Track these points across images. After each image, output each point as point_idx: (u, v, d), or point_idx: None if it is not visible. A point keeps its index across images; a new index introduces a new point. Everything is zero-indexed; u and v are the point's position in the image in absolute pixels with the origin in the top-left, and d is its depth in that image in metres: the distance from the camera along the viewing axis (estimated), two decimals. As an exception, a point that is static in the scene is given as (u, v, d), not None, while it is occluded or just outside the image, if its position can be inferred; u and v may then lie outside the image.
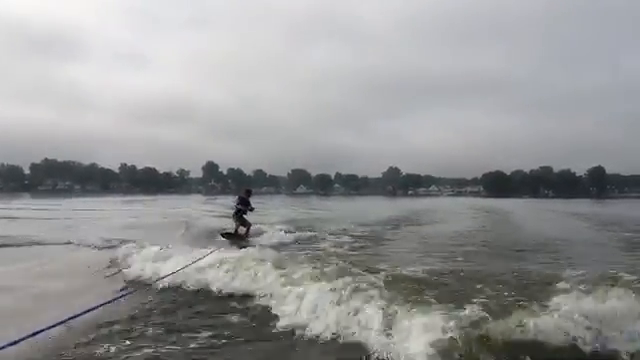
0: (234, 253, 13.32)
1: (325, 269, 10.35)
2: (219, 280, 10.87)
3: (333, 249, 17.38)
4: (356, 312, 7.84)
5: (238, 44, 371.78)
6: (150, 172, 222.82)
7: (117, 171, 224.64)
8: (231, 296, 10.14)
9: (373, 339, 6.96)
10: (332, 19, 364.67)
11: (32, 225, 29.42)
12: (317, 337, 7.53)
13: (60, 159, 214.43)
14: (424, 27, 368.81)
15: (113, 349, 7.09)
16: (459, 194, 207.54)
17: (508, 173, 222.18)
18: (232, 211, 21.96)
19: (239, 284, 10.56)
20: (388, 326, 7.08)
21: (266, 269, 10.90)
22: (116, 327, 8.03)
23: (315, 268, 10.51)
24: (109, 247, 17.53)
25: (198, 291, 10.61)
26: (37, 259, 15.54)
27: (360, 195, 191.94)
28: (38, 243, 20.16)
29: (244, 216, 21.17)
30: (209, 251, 13.00)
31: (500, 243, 19.72)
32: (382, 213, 43.35)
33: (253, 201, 21.78)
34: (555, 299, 7.60)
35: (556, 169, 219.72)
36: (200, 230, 24.94)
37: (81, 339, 7.42)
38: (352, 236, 21.84)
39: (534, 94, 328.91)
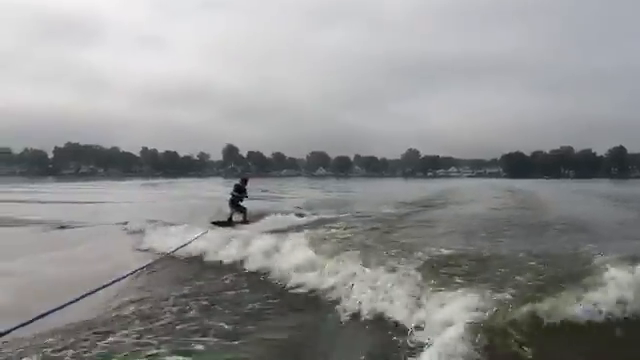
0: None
1: (351, 250, 10.94)
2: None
3: (357, 229, 17.08)
4: (387, 291, 8.05)
5: (256, 26, 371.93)
6: (171, 155, 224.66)
7: (138, 155, 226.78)
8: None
9: (405, 316, 7.18)
10: (350, 0, 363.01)
11: (74, 210, 30.89)
12: (349, 312, 7.99)
13: (82, 143, 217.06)
14: (442, 8, 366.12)
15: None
16: (478, 175, 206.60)
17: (528, 154, 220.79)
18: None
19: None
20: (421, 305, 7.24)
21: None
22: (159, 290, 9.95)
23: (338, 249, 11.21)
24: (139, 230, 18.97)
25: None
26: (86, 240, 17.27)
27: (379, 177, 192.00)
28: (83, 225, 21.85)
29: (240, 203, 21.56)
30: (201, 232, 14.91)
31: (532, 221, 19.58)
32: (405, 194, 43.24)
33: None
34: (605, 274, 7.35)
35: (577, 149, 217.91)
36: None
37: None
38: (378, 218, 21.74)
39: (554, 74, 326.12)
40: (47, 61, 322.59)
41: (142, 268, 10.05)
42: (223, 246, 13.55)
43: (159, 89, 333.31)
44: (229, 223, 20.59)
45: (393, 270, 8.86)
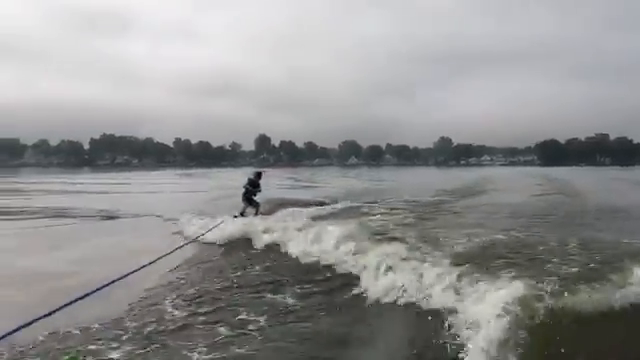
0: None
1: (391, 237, 11.37)
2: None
3: (397, 219, 17.20)
4: (421, 276, 8.24)
5: (287, 17, 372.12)
6: (204, 146, 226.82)
7: (171, 145, 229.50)
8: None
9: (444, 302, 7.25)
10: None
11: (119, 199, 32.05)
12: (388, 298, 8.25)
13: (117, 134, 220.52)
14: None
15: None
16: (512, 164, 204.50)
17: (562, 141, 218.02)
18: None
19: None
20: (461, 292, 7.25)
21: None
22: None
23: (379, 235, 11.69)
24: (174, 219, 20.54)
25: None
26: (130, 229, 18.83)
27: (412, 166, 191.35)
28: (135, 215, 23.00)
29: (253, 197, 21.16)
30: (220, 220, 16.94)
31: (572, 209, 19.55)
32: (442, 183, 43.15)
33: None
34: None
35: (613, 136, 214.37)
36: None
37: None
38: (418, 205, 22.02)
39: (589, 60, 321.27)
40: (83, 54, 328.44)
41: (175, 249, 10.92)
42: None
43: (193, 81, 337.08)
44: (242, 217, 20.45)
45: (434, 257, 8.99)
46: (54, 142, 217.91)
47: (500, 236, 12.06)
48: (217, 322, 7.80)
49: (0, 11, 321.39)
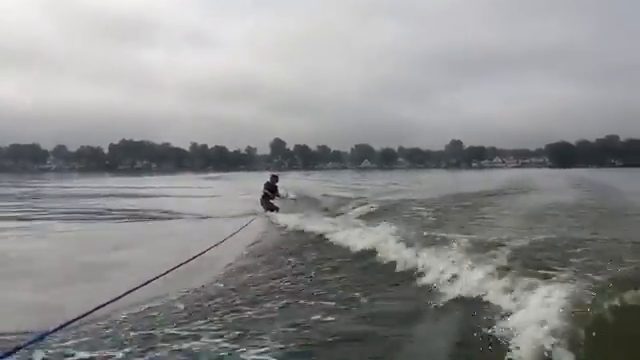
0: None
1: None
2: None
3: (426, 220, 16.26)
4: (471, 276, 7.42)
5: (301, 22, 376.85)
6: (220, 150, 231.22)
7: (188, 150, 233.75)
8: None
9: (492, 301, 6.47)
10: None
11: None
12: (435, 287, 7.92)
13: (135, 139, 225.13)
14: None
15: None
16: (523, 165, 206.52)
17: (573, 143, 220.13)
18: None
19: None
20: (508, 291, 6.42)
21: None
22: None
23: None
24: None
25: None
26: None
27: (424, 168, 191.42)
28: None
29: (271, 201, 21.12)
30: (251, 218, 17.55)
31: (603, 210, 18.93)
32: (459, 187, 41.33)
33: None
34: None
35: (622, 138, 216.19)
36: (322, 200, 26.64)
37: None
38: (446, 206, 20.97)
39: (597, 62, 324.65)
40: (101, 61, 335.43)
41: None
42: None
43: (208, 87, 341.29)
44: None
45: (478, 257, 8.23)
46: (71, 148, 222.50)
47: (541, 235, 11.06)
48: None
49: (20, 17, 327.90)
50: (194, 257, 9.48)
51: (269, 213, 19.81)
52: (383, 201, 23.66)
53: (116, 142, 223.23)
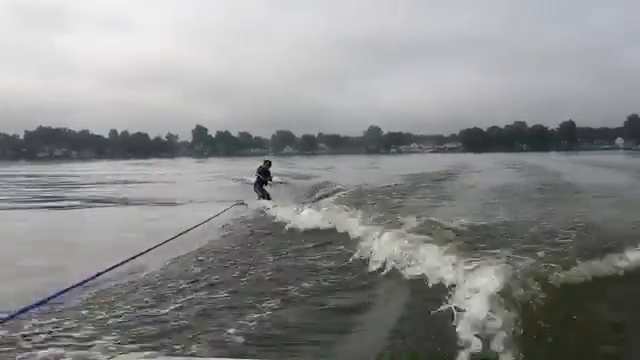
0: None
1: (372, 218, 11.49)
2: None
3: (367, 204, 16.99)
4: (411, 254, 7.91)
5: (220, 8, 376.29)
6: (141, 137, 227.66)
7: (107, 137, 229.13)
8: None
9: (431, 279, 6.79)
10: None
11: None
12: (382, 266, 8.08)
13: (54, 127, 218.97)
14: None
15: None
16: (439, 151, 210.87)
17: (485, 129, 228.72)
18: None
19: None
20: (459, 267, 6.53)
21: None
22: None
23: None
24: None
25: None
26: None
27: (344, 154, 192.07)
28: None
29: (264, 187, 21.16)
30: (230, 205, 17.38)
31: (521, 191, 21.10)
32: (387, 172, 44.19)
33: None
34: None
35: (530, 124, 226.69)
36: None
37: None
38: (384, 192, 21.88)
39: (506, 51, 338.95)
40: (15, 46, 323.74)
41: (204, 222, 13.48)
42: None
43: (127, 72, 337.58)
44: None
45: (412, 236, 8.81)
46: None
47: (475, 217, 12.28)
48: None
49: None
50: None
51: (261, 201, 19.62)
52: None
53: (33, 129, 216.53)
